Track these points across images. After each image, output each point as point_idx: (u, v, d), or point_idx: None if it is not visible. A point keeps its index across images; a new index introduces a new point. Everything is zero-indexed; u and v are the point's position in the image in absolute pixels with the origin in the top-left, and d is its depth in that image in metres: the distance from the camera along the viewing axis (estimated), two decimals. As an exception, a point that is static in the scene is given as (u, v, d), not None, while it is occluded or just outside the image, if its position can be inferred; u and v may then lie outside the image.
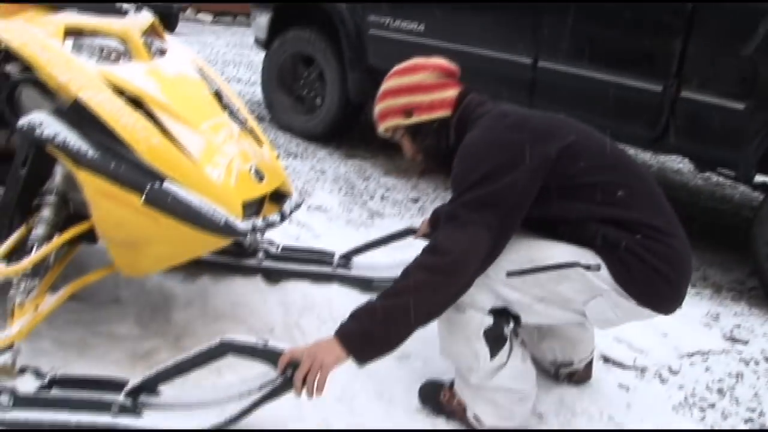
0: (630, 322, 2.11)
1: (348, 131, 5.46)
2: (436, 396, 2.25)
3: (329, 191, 4.40)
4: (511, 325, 2.09)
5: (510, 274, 2.00)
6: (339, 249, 3.10)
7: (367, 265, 3.07)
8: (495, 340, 2.06)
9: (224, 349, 1.85)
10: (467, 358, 2.08)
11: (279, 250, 3.05)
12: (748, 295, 3.62)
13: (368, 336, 1.84)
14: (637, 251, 1.93)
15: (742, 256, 3.98)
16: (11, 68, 2.27)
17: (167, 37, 2.66)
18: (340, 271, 2.99)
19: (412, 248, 3.39)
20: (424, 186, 4.75)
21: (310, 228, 3.71)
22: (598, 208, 1.98)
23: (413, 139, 2.25)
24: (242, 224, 2.08)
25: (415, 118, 2.20)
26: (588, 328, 2.43)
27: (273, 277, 2.97)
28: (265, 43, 5.72)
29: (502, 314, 2.07)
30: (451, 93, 2.19)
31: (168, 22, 11.55)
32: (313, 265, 3.01)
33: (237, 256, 2.99)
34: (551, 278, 1.98)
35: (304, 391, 1.80)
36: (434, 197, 4.55)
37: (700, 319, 3.22)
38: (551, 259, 1.98)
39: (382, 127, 2.29)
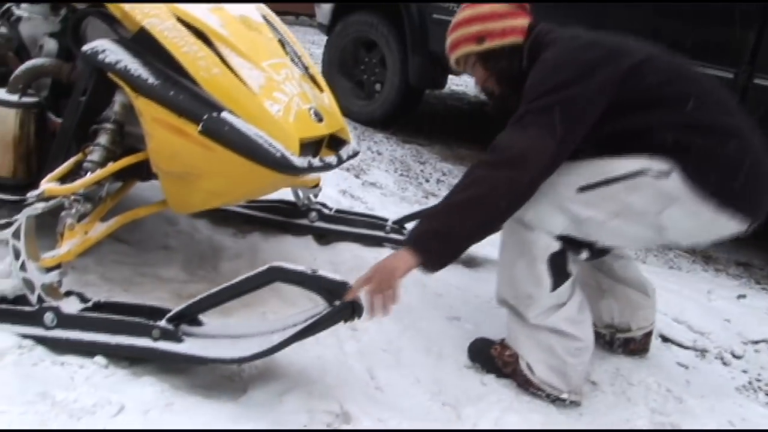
0: (711, 238, 2.02)
1: (406, 117, 5.40)
2: (486, 351, 2.17)
3: (385, 171, 4.34)
4: (584, 254, 2.04)
5: (581, 189, 1.95)
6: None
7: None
8: (559, 270, 2.00)
9: (272, 275, 1.79)
10: (527, 284, 2.03)
11: (332, 212, 3.00)
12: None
13: (435, 234, 1.82)
14: (709, 148, 1.87)
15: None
16: (79, 2, 2.27)
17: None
18: (393, 235, 2.93)
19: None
20: (481, 173, 4.65)
21: (364, 202, 3.66)
22: (668, 116, 1.92)
23: (485, 65, 2.18)
24: (299, 160, 2.03)
25: (488, 44, 2.15)
26: (650, 295, 2.34)
27: (324, 238, 2.93)
28: (328, 28, 5.70)
29: (572, 244, 2.00)
30: (523, 21, 2.15)
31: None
32: (365, 228, 2.95)
33: (289, 215, 2.95)
34: (622, 189, 1.91)
35: (372, 310, 1.80)
36: (490, 184, 4.44)
37: (767, 309, 3.07)
38: (620, 169, 1.92)
39: (454, 57, 2.23)
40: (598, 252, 2.12)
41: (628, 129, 1.94)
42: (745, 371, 2.52)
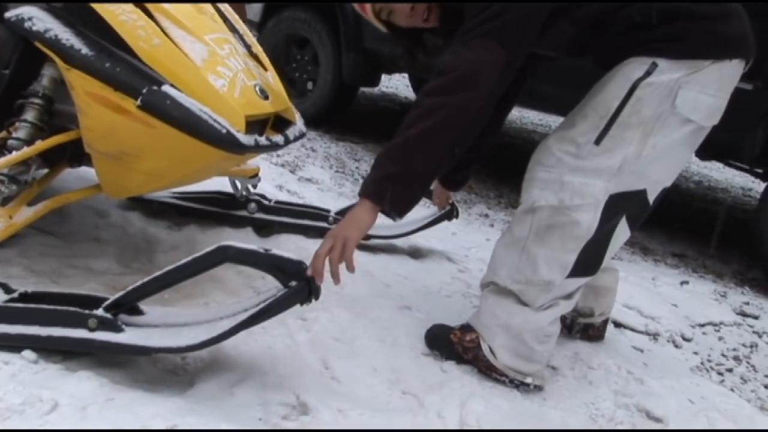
0: (729, 94, 1.92)
1: (339, 115, 5.29)
2: (444, 337, 2.08)
3: (320, 167, 4.23)
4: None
5: (596, 141, 1.86)
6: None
7: (364, 224, 2.90)
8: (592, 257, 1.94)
9: (221, 254, 1.65)
10: (551, 269, 1.95)
11: (272, 203, 2.87)
12: (750, 284, 3.53)
13: (393, 177, 1.71)
14: (677, 8, 1.81)
15: (740, 252, 3.94)
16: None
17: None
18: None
19: (406, 216, 3.28)
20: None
21: (302, 197, 3.53)
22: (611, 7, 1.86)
23: None
24: (245, 138, 1.90)
25: None
26: (615, 282, 2.29)
27: (264, 229, 2.80)
28: (259, 26, 5.55)
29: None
30: None
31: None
32: (307, 219, 2.84)
33: (227, 207, 2.81)
34: (630, 112, 1.84)
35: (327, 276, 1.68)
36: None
37: (709, 295, 3.13)
38: (612, 98, 1.85)
39: None
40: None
41: (584, 22, 1.89)
42: (696, 353, 2.55)
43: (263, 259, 1.65)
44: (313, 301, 1.68)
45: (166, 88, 1.84)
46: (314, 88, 5.20)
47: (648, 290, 2.97)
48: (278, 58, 5.35)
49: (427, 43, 2.15)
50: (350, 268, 1.74)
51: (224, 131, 1.84)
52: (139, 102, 1.82)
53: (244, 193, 2.80)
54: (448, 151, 1.76)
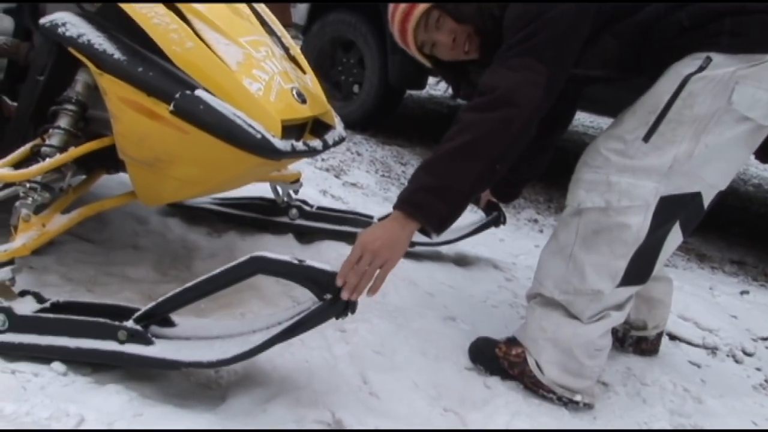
0: None
1: (385, 118, 5.22)
2: (489, 351, 1.98)
3: (366, 171, 4.16)
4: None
5: (645, 138, 1.76)
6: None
7: (408, 230, 2.82)
8: (643, 264, 1.84)
9: (254, 265, 1.59)
10: (600, 278, 1.84)
11: (314, 209, 2.80)
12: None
13: (431, 190, 1.64)
14: (727, 6, 1.72)
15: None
16: (39, -22, 2.07)
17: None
18: (380, 233, 2.74)
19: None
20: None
21: (346, 202, 3.47)
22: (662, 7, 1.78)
23: (455, 15, 1.94)
24: (281, 143, 1.83)
25: None
26: (670, 293, 2.17)
27: (306, 236, 2.74)
28: (304, 29, 5.52)
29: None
30: None
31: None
32: (350, 225, 2.76)
33: (267, 213, 2.76)
34: (681, 107, 1.73)
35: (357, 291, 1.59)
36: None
37: (772, 306, 2.95)
38: (664, 93, 1.75)
39: (413, 22, 1.98)
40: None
41: (633, 30, 1.81)
42: (758, 369, 2.40)
43: (297, 271, 1.58)
44: (350, 314, 1.60)
45: (199, 92, 1.79)
46: (360, 91, 5.14)
47: (705, 300, 2.83)
48: (324, 61, 5.32)
49: (471, 75, 2.09)
50: (373, 292, 1.63)
51: (259, 136, 1.78)
52: (172, 107, 1.76)
53: (286, 198, 2.75)
54: (489, 167, 1.68)
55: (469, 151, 1.64)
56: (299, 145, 1.91)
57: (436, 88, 7.14)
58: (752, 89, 1.71)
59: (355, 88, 5.20)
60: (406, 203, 1.66)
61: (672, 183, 1.78)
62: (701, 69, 1.71)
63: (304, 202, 2.81)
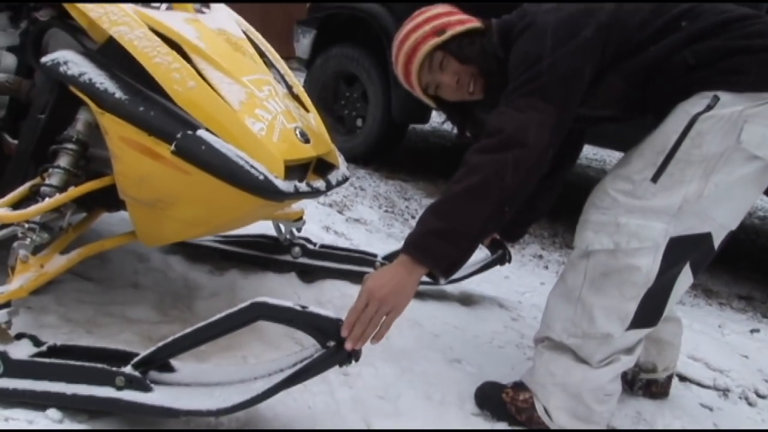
0: None
1: (389, 153, 5.20)
2: (496, 397, 1.94)
3: (369, 207, 4.12)
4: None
5: (653, 178, 1.73)
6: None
7: (412, 269, 2.79)
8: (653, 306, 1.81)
9: (255, 311, 1.56)
10: (610, 320, 1.80)
11: (317, 247, 2.77)
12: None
13: (438, 233, 1.60)
14: (733, 45, 1.70)
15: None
16: (42, 14, 2.06)
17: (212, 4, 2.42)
18: (383, 272, 2.70)
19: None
20: (469, 209, 4.45)
21: (349, 238, 3.43)
22: (670, 40, 1.75)
23: (458, 55, 1.96)
24: (284, 184, 1.80)
25: (450, 32, 1.96)
26: (679, 334, 2.13)
27: (309, 275, 2.70)
28: (308, 63, 5.53)
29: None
30: (471, 17, 2.04)
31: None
32: (353, 264, 2.72)
33: (270, 251, 2.72)
34: (690, 146, 1.70)
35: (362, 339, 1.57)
36: (479, 220, 4.24)
37: (785, 345, 2.90)
38: (671, 133, 1.72)
39: (417, 63, 2.00)
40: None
41: (638, 72, 1.80)
42: (773, 411, 2.33)
43: (299, 317, 1.54)
44: (353, 362, 1.56)
45: (201, 132, 1.77)
46: (363, 125, 5.12)
47: (715, 339, 2.78)
48: (327, 96, 5.32)
49: (476, 115, 2.10)
50: (377, 339, 1.61)
51: (262, 178, 1.75)
52: (173, 147, 1.74)
53: (288, 236, 2.71)
54: (497, 209, 1.65)
55: (478, 194, 1.62)
56: (302, 186, 1.88)
57: (440, 121, 7.16)
58: (761, 128, 1.69)
59: (359, 122, 5.18)
60: (414, 247, 1.63)
61: (682, 223, 1.75)
62: (709, 108, 1.68)
63: (308, 240, 2.78)
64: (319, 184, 1.99)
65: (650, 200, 1.74)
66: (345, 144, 5.17)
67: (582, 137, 2.33)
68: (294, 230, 2.71)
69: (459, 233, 1.61)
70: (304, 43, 5.54)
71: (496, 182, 1.62)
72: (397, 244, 3.34)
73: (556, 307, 1.90)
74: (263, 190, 1.76)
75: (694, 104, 1.71)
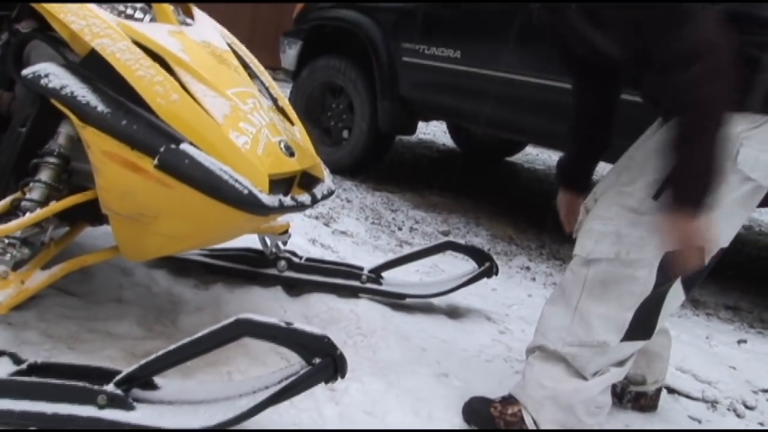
0: None
1: (376, 164, 5.19)
2: (484, 411, 1.92)
3: (356, 219, 4.10)
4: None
5: (656, 196, 1.75)
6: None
7: (399, 282, 2.78)
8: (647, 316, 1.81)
9: (240, 329, 1.53)
10: (606, 330, 1.81)
11: (303, 260, 2.75)
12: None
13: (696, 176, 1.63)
14: (744, 52, 1.66)
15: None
16: (23, 26, 2.03)
17: (196, 11, 2.40)
18: (370, 285, 2.69)
19: (445, 273, 3.15)
20: (455, 220, 4.44)
21: (336, 251, 3.41)
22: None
23: None
24: (268, 198, 1.79)
25: None
26: (669, 346, 2.12)
27: (295, 288, 2.67)
28: (294, 74, 5.52)
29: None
30: None
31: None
32: (339, 277, 2.70)
33: (256, 265, 2.70)
34: None
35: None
36: (465, 231, 4.24)
37: (772, 356, 2.90)
38: None
39: None
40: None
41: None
42: (761, 423, 2.35)
43: (284, 334, 1.52)
44: (339, 379, 1.54)
45: (184, 146, 1.75)
46: (350, 136, 5.10)
47: (703, 350, 2.78)
48: (313, 107, 5.31)
49: None
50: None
51: (246, 192, 1.73)
52: (156, 161, 1.73)
53: (274, 250, 2.69)
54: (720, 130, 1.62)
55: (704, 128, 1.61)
56: (287, 200, 1.86)
57: (426, 131, 7.16)
58: (755, 152, 1.70)
59: (345, 134, 5.16)
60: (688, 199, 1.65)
61: None
62: None
63: (293, 253, 2.76)
64: (304, 198, 1.97)
65: (651, 216, 1.75)
66: (331, 155, 5.15)
67: None
68: (280, 243, 2.69)
69: (707, 170, 1.62)
70: (290, 55, 5.53)
71: (709, 107, 1.61)
72: (383, 256, 3.33)
73: (552, 316, 1.90)
74: (247, 204, 1.75)
75: None
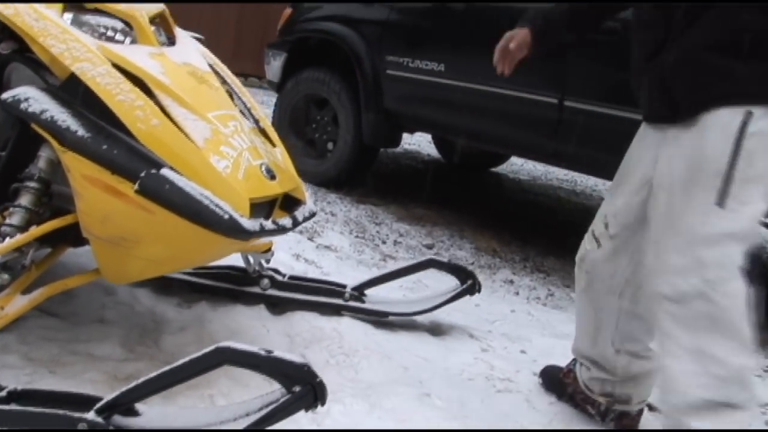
0: None
1: (360, 177, 5.19)
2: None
3: (340, 232, 4.11)
4: None
5: (718, 203, 1.68)
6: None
7: (382, 299, 2.79)
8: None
9: (220, 357, 1.53)
10: (731, 359, 1.68)
11: (286, 278, 2.75)
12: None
13: None
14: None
15: None
16: (2, 47, 2.03)
17: (178, 31, 2.41)
18: (353, 303, 2.69)
19: (428, 289, 3.16)
20: (439, 233, 4.46)
21: (319, 266, 3.41)
22: None
23: None
24: (249, 223, 1.79)
25: None
26: (655, 365, 2.10)
27: (278, 306, 2.67)
28: (278, 86, 5.52)
29: None
30: None
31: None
32: (322, 296, 2.71)
33: (239, 283, 2.69)
34: (744, 169, 1.67)
35: None
36: (450, 244, 4.25)
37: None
38: (719, 156, 1.68)
39: None
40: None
41: None
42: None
43: (264, 363, 1.52)
44: (320, 406, 1.54)
45: (165, 171, 1.75)
46: (335, 148, 5.11)
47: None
48: (298, 119, 5.32)
49: None
50: None
51: (227, 217, 1.74)
52: (137, 186, 1.73)
53: (257, 268, 2.69)
54: None
55: None
56: (268, 224, 1.87)
57: (411, 142, 7.18)
58: None
59: (330, 146, 5.17)
60: None
61: (750, 240, 1.71)
62: (744, 124, 1.66)
63: (276, 271, 2.76)
64: (285, 221, 1.98)
65: (723, 226, 1.68)
66: (317, 168, 5.17)
67: None
68: (263, 261, 2.69)
69: None
70: (274, 66, 5.53)
71: None
72: (367, 271, 3.34)
73: (674, 370, 1.76)
74: (228, 229, 1.75)
75: (729, 121, 1.67)
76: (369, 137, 4.87)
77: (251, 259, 2.66)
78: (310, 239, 3.82)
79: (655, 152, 1.89)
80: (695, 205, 1.72)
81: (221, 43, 17.27)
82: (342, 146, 5.04)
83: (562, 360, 2.42)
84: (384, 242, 4.13)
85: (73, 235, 1.98)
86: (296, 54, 5.36)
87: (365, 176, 5.26)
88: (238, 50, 16.31)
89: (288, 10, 5.57)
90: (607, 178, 4.68)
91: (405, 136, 5.50)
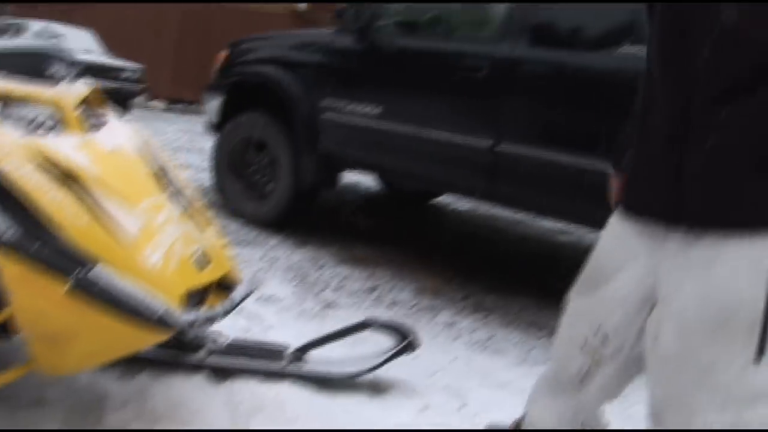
0: None
1: (301, 218, 5.23)
2: None
3: (281, 281, 4.13)
4: None
5: (756, 359, 1.47)
6: (292, 342, 2.85)
7: (322, 359, 2.83)
8: None
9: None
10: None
11: (225, 345, 2.77)
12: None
13: None
14: None
15: None
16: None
17: (107, 111, 2.43)
18: (292, 367, 2.73)
19: (369, 342, 3.20)
20: (381, 274, 4.52)
21: (262, 319, 3.43)
22: None
23: None
24: (182, 317, 1.83)
25: None
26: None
27: (219, 374, 2.69)
28: (217, 127, 5.54)
29: None
30: None
31: (122, 106, 11.60)
32: (263, 359, 2.74)
33: (179, 351, 2.71)
34: None
35: None
36: (391, 286, 4.31)
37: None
38: (749, 301, 1.46)
39: None
40: None
41: None
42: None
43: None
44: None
45: (96, 269, 1.78)
46: (274, 191, 5.15)
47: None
48: (237, 161, 5.35)
49: None
50: None
51: (160, 312, 1.78)
52: (68, 285, 1.75)
53: (198, 333, 2.70)
54: None
55: None
56: (200, 316, 1.91)
57: (350, 176, 7.23)
58: None
59: (269, 188, 5.20)
60: None
61: None
62: None
63: (217, 335, 2.78)
64: (218, 309, 2.02)
65: (763, 382, 1.50)
66: (257, 210, 5.20)
67: None
68: (202, 329, 2.70)
69: None
70: (212, 108, 5.57)
71: None
72: (308, 322, 3.38)
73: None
74: (162, 324, 1.79)
75: (761, 253, 1.45)
76: (307, 179, 4.93)
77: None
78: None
79: (648, 262, 1.67)
80: (731, 359, 1.50)
81: (161, 71, 17.31)
82: (281, 188, 5.08)
83: (504, 412, 2.47)
84: (326, 288, 4.17)
85: (3, 329, 1.99)
86: (234, 96, 5.40)
87: (306, 217, 5.30)
88: (177, 77, 16.33)
89: (223, 53, 5.61)
90: (544, 215, 4.81)
91: (347, 174, 5.57)
